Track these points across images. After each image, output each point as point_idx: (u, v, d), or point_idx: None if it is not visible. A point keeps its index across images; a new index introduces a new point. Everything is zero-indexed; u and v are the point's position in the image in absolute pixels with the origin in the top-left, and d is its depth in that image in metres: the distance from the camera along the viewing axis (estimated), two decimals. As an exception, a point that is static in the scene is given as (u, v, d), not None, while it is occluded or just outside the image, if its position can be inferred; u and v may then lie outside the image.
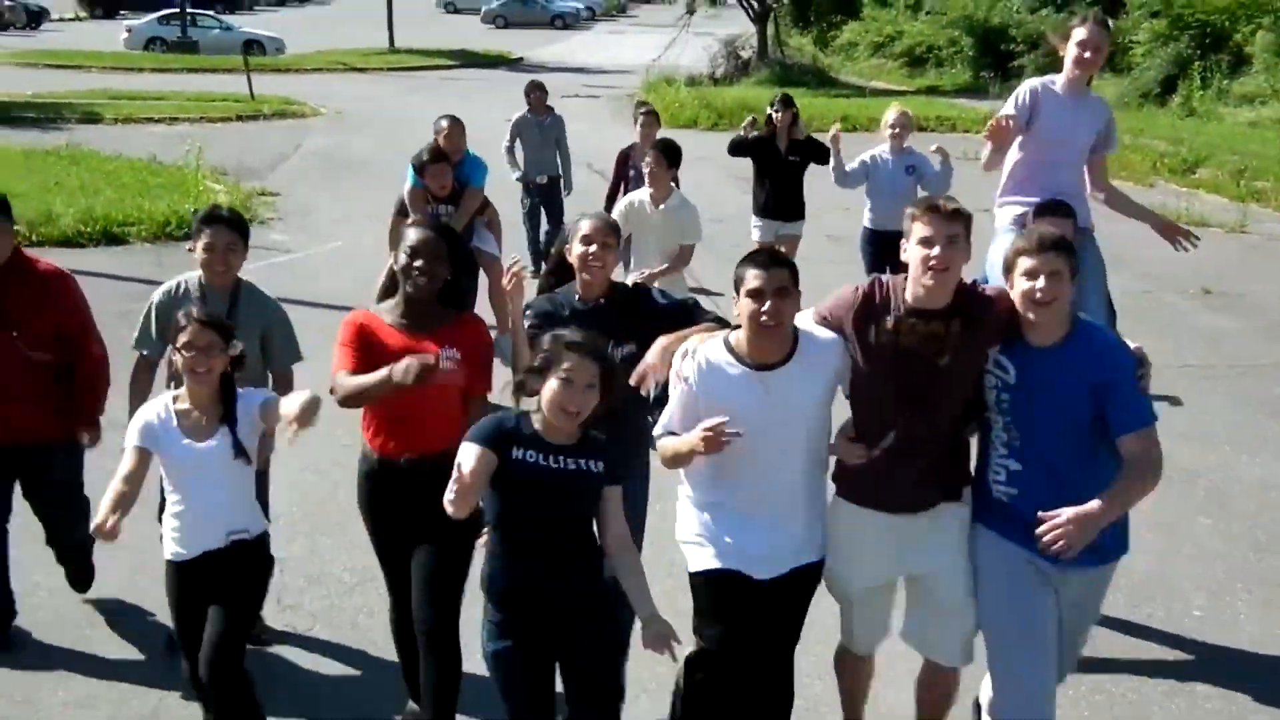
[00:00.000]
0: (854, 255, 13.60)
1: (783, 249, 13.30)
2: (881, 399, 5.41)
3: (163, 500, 6.37)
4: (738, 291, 5.26)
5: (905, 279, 5.36)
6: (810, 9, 53.51)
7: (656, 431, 5.59)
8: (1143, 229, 8.10)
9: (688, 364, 5.39)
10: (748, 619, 5.52)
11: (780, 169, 14.07)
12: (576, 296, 6.28)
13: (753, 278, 5.19)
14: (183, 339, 5.88)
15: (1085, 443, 5.38)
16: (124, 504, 5.79)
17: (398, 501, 6.11)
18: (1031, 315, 5.24)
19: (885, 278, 5.47)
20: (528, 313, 6.30)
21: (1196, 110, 33.31)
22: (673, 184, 12.02)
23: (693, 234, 11.86)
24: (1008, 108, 7.58)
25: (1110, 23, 8.11)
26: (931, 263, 5.16)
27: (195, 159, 22.94)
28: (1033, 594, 5.51)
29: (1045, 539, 5.14)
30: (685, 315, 6.16)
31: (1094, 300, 6.99)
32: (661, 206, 11.60)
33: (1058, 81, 7.55)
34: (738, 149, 14.55)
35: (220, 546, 5.98)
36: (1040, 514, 5.24)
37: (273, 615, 7.55)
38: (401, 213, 12.06)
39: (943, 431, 5.49)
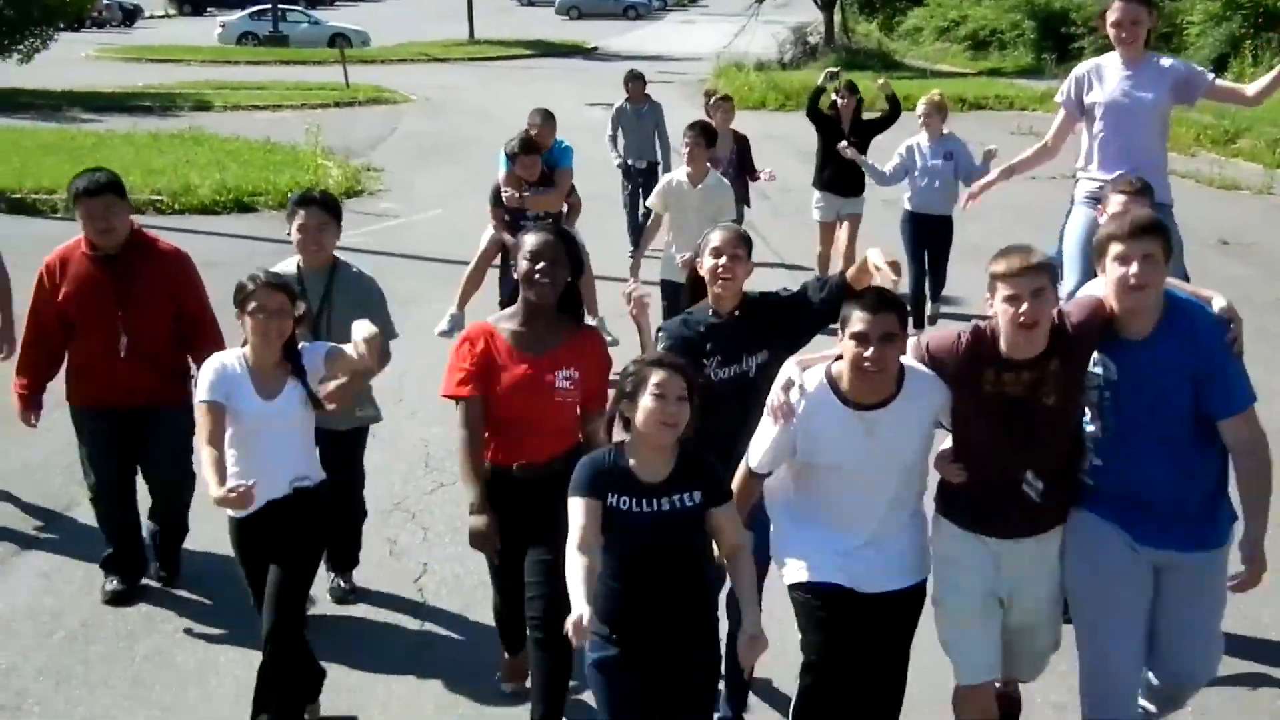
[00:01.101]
0: None
1: (845, 224, 14.57)
2: (989, 441, 5.29)
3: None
4: (843, 330, 5.09)
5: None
6: (874, 0, 53.78)
7: (751, 462, 5.43)
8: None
9: (793, 394, 5.23)
10: (850, 631, 5.37)
11: (839, 146, 14.16)
12: (710, 311, 6.12)
13: (858, 320, 5.01)
14: (252, 303, 5.92)
15: (1191, 434, 5.24)
16: (222, 468, 5.87)
17: (509, 508, 5.98)
18: (1127, 302, 5.12)
19: (985, 325, 5.27)
20: (660, 334, 6.24)
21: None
22: (708, 164, 12.31)
23: (728, 210, 12.12)
24: (1059, 94, 7.83)
25: None
26: (1021, 319, 5.01)
27: (315, 136, 24.17)
28: (1121, 569, 5.35)
29: (1241, 588, 5.25)
30: (802, 300, 6.06)
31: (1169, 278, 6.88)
32: (700, 185, 11.88)
33: (1113, 55, 7.51)
34: (814, 108, 14.86)
35: (284, 495, 6.04)
36: (1231, 587, 5.32)
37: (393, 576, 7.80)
38: (496, 201, 12.20)
39: (1053, 462, 5.35)
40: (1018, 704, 6.15)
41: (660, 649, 5.04)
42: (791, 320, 5.95)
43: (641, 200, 16.18)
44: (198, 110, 31.86)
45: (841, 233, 14.79)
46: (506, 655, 6.76)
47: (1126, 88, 7.27)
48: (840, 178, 14.42)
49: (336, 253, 7.19)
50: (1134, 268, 4.97)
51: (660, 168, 16.54)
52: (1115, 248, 5.03)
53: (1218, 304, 5.31)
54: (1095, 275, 5.83)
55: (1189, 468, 5.21)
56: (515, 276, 6.22)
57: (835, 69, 16.02)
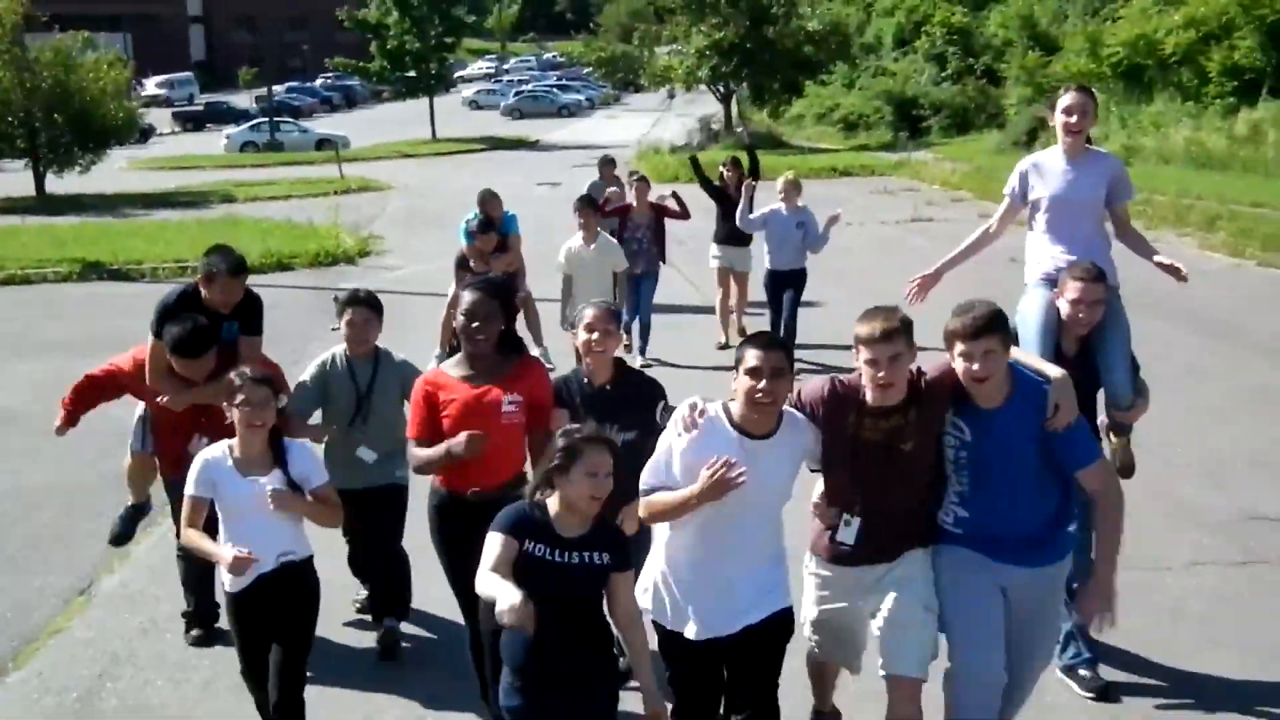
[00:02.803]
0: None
1: (735, 278, 14.83)
2: (851, 481, 5.18)
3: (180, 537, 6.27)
4: (738, 367, 4.92)
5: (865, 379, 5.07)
6: (765, 92, 53.61)
7: (643, 485, 5.11)
8: None
9: (694, 416, 4.99)
10: (714, 673, 5.20)
11: (732, 211, 14.20)
12: (585, 379, 5.96)
13: (752, 357, 4.86)
14: (239, 396, 5.69)
15: (1035, 482, 5.21)
16: (210, 541, 5.80)
17: (468, 532, 5.49)
18: (973, 389, 5.05)
19: (846, 379, 5.17)
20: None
21: None
22: (597, 228, 12.77)
23: (620, 263, 12.61)
24: (1006, 186, 7.07)
25: (1093, 89, 7.39)
26: (879, 381, 4.93)
27: (335, 214, 26.13)
28: (986, 592, 5.28)
29: (1091, 625, 5.33)
30: (653, 409, 5.87)
31: (1118, 359, 6.54)
32: (592, 246, 12.36)
33: (1055, 151, 6.86)
34: (706, 181, 15.14)
35: (272, 568, 5.76)
36: (1078, 616, 5.55)
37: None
38: (461, 265, 11.97)
39: (912, 501, 5.26)
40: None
41: (563, 694, 4.81)
42: (648, 406, 5.84)
43: None
44: (224, 203, 33.79)
45: (734, 285, 15.03)
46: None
47: (1070, 181, 6.71)
48: (733, 235, 14.58)
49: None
50: (975, 365, 4.94)
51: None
52: (959, 345, 4.98)
53: (1054, 375, 5.31)
54: (1060, 350, 6.19)
55: (1034, 506, 5.21)
56: (455, 329, 6.09)
57: (734, 158, 15.89)
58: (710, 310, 15.44)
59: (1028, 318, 6.44)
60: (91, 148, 37.45)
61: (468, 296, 5.88)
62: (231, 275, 6.93)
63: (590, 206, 13.41)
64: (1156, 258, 6.91)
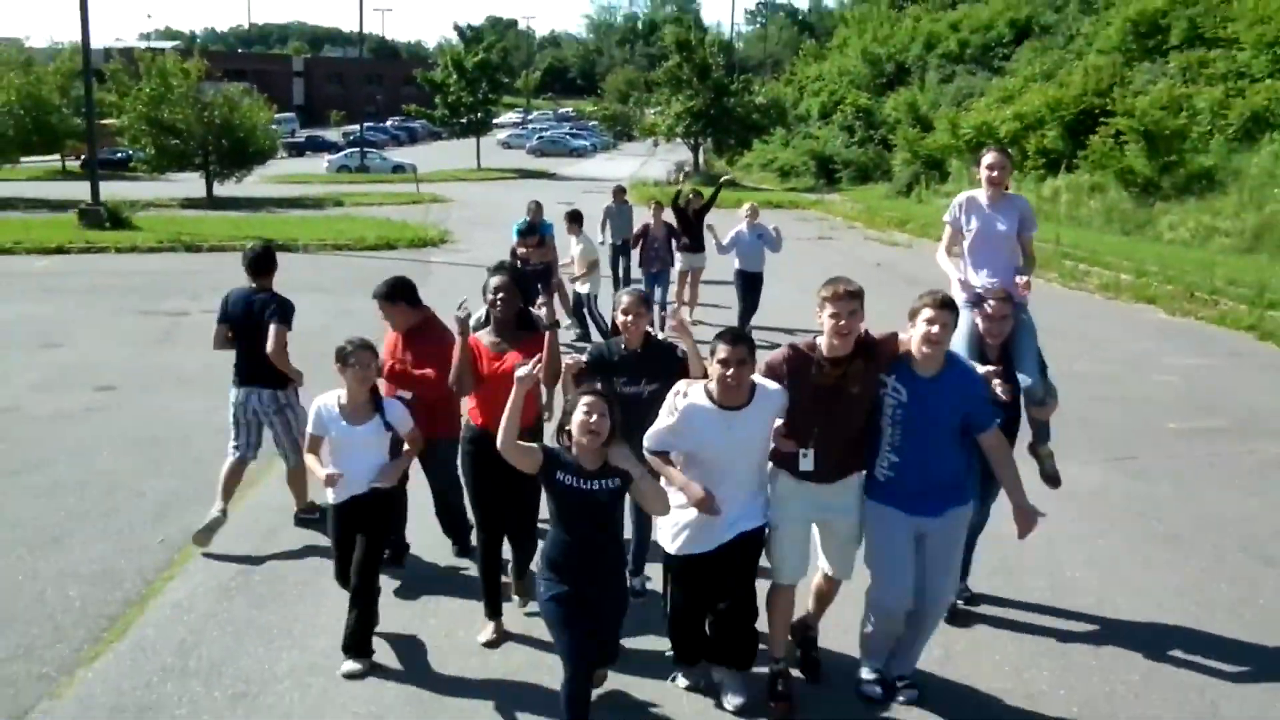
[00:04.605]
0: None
1: (690, 274, 15.14)
2: (811, 418, 4.99)
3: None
4: (712, 357, 4.81)
5: (820, 339, 4.93)
6: (723, 146, 53.84)
7: (647, 443, 5.02)
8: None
9: (679, 400, 4.91)
10: (706, 580, 5.13)
11: (690, 227, 14.96)
12: (623, 346, 5.77)
13: (721, 350, 4.74)
14: (351, 359, 5.56)
15: (951, 440, 5.07)
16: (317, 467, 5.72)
17: (492, 461, 5.31)
18: (925, 350, 4.84)
19: (802, 342, 5.02)
20: (590, 349, 5.94)
21: (922, 198, 36.93)
22: (581, 231, 13.48)
23: (591, 252, 13.38)
24: (947, 215, 6.65)
25: (1009, 151, 7.15)
26: (839, 328, 4.80)
27: (427, 213, 27.63)
28: (902, 540, 5.15)
29: (1022, 532, 5.09)
30: (675, 362, 5.67)
31: (1028, 356, 6.15)
32: (578, 240, 13.54)
33: (980, 194, 6.50)
34: (676, 205, 15.22)
35: (364, 491, 5.68)
36: (1020, 535, 5.13)
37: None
38: (512, 254, 11.69)
39: (853, 433, 5.07)
40: (831, 599, 5.72)
41: (586, 586, 4.73)
42: (668, 367, 5.61)
43: (620, 262, 16.36)
44: (336, 206, 34.97)
45: (687, 282, 15.23)
46: (512, 578, 6.35)
47: (991, 219, 6.41)
48: (692, 244, 15.08)
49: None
50: (935, 328, 4.79)
51: (629, 241, 15.80)
52: (926, 313, 4.82)
53: (981, 369, 5.20)
54: (985, 359, 5.82)
55: (949, 458, 5.07)
56: (485, 304, 5.93)
57: (696, 191, 16.07)
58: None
59: (957, 334, 5.86)
60: (244, 165, 38.75)
61: (494, 280, 5.91)
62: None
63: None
64: (1021, 276, 6.53)
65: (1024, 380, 6.01)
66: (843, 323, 4.83)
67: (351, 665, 5.71)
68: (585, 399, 4.68)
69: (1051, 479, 6.46)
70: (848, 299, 4.84)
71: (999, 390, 5.25)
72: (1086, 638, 6.27)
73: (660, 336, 5.95)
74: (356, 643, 5.73)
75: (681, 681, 5.56)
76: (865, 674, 5.57)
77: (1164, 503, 6.00)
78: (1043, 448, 6.44)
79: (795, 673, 5.69)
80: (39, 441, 9.86)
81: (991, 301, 5.86)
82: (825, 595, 5.68)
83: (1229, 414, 11.58)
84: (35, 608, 6.57)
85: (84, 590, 6.80)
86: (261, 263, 7.42)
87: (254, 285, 7.40)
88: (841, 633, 5.94)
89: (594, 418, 4.62)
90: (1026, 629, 6.40)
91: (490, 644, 6.01)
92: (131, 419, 10.54)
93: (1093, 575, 7.14)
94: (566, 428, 4.71)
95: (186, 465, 9.03)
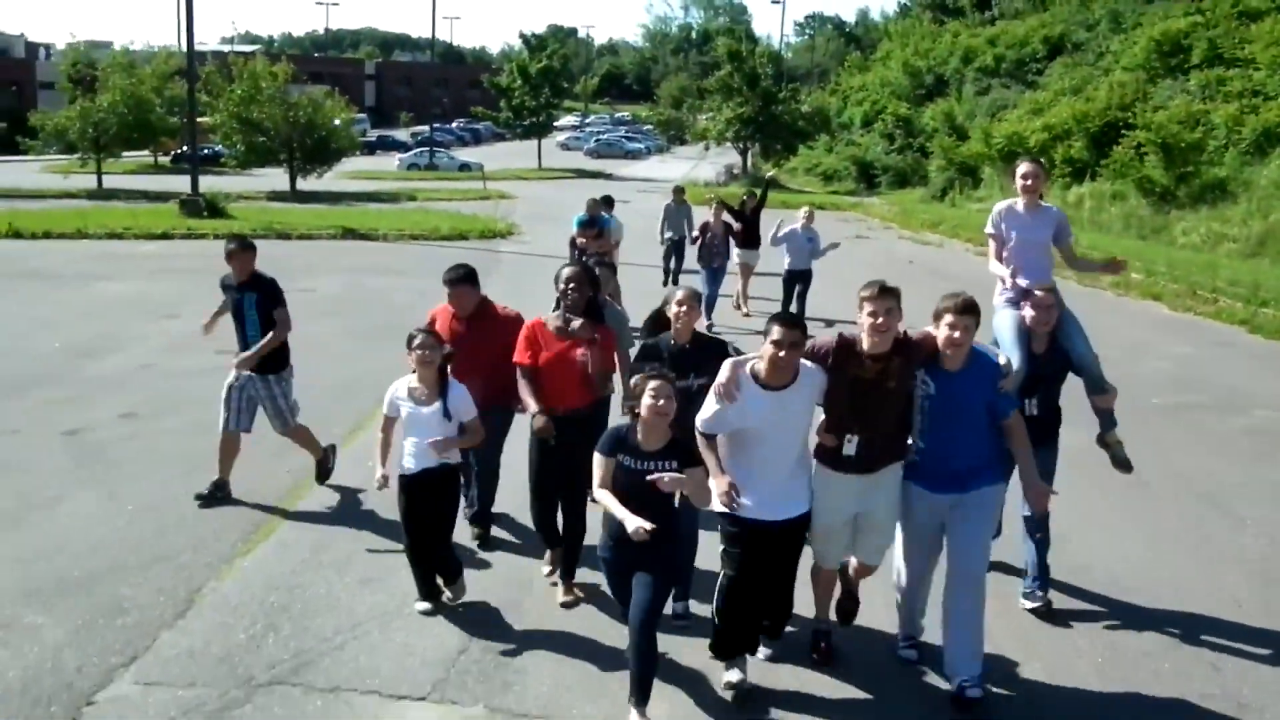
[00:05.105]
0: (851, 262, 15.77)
1: (743, 269, 15.28)
2: (851, 409, 4.98)
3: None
4: (766, 337, 4.76)
5: (862, 335, 4.89)
6: (770, 151, 52.98)
7: (700, 426, 4.97)
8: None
9: (730, 380, 4.84)
10: (759, 551, 5.05)
11: (748, 224, 15.14)
12: (672, 340, 5.73)
13: (776, 331, 4.73)
14: (416, 342, 5.64)
15: (974, 427, 5.10)
16: (388, 446, 5.81)
17: (555, 435, 5.69)
18: (949, 351, 4.90)
19: (848, 333, 4.99)
20: (636, 344, 5.92)
21: (955, 203, 37.21)
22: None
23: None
24: (989, 228, 6.61)
25: (1041, 160, 6.92)
26: (878, 325, 4.79)
27: (496, 207, 28.25)
28: (923, 511, 5.22)
29: (1036, 508, 5.33)
30: (722, 355, 5.40)
31: (1079, 341, 6.18)
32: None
33: (1018, 202, 6.48)
34: (732, 207, 15.50)
35: (435, 465, 5.73)
36: (1030, 512, 5.58)
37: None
38: (572, 245, 11.87)
39: (891, 426, 5.07)
40: (857, 604, 5.75)
41: (641, 549, 4.81)
42: (716, 363, 5.23)
43: (673, 258, 16.67)
44: (409, 200, 35.56)
45: (741, 276, 15.39)
46: (548, 551, 6.44)
47: (1029, 226, 6.39)
48: (748, 240, 15.35)
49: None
50: (957, 333, 4.83)
51: (686, 240, 16.19)
52: (947, 318, 4.86)
53: (1002, 360, 5.19)
54: (1032, 351, 5.93)
55: (975, 446, 5.10)
56: (556, 294, 5.90)
57: (753, 191, 16.36)
58: (728, 296, 15.72)
59: (1003, 330, 6.11)
60: (326, 161, 39.59)
61: (567, 271, 5.96)
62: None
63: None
64: (1093, 266, 7.09)
65: (1079, 357, 6.11)
66: (880, 320, 4.87)
67: (424, 605, 6.06)
68: (652, 384, 4.79)
69: (1123, 465, 6.42)
70: (884, 297, 4.88)
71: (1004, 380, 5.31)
72: (1057, 562, 6.67)
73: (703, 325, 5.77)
74: (431, 590, 6.05)
75: (731, 675, 5.33)
76: (901, 639, 5.78)
77: (1138, 460, 6.44)
78: (1110, 435, 6.42)
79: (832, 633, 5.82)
80: (177, 390, 10.95)
81: (1038, 292, 5.98)
82: (860, 574, 5.78)
83: (1209, 392, 12.07)
84: (195, 517, 7.48)
85: (229, 506, 7.71)
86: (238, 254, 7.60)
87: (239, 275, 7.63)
88: (883, 605, 6.16)
89: (661, 401, 4.77)
90: (1006, 567, 6.73)
91: (559, 587, 6.25)
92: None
93: (1071, 516, 7.50)
94: (636, 410, 4.85)
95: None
